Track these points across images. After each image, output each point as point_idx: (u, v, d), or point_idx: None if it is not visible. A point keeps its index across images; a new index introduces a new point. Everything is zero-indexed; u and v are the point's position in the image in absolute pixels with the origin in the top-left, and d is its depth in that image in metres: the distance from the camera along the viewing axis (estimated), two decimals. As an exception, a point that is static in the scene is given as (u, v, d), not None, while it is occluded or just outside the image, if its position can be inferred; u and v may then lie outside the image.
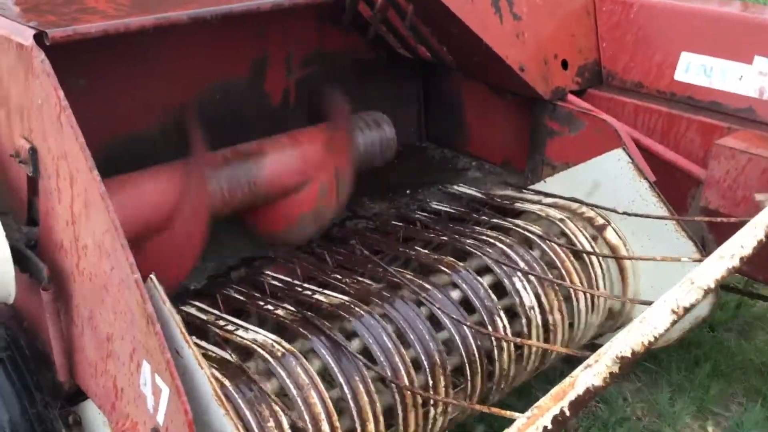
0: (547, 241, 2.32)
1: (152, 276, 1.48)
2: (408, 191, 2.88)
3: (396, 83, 3.17)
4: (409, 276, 2.13)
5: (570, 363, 2.59)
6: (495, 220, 2.46)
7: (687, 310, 1.62)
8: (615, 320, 2.52)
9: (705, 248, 2.37)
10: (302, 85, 2.86)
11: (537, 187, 2.66)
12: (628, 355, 1.45)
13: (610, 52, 2.69)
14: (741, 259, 1.74)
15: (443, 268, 2.16)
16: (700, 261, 1.99)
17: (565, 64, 2.62)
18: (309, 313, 1.91)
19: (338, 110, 2.42)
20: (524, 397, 2.54)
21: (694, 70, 2.50)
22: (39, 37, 1.55)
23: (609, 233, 2.47)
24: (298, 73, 2.84)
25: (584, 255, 2.38)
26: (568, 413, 1.35)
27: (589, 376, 1.40)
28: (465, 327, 2.00)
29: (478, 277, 2.15)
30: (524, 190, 2.69)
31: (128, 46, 2.20)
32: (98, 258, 1.56)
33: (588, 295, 2.32)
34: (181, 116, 2.17)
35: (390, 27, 2.77)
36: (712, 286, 1.69)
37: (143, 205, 2.06)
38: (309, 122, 2.76)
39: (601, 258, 2.40)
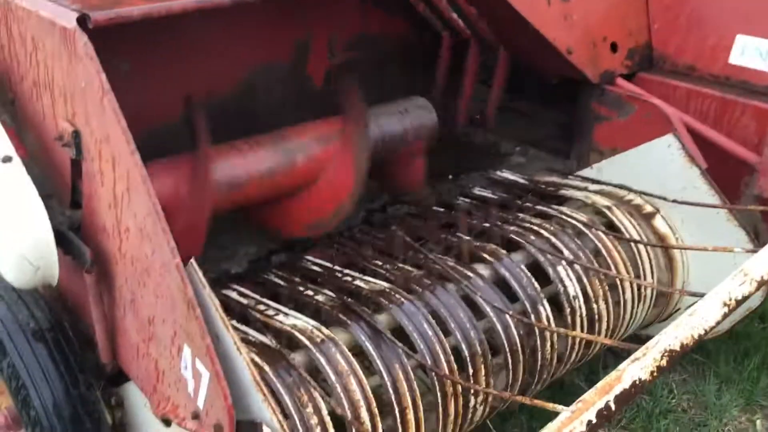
0: (593, 230, 2.26)
1: (193, 260, 1.48)
2: (450, 177, 2.84)
3: (440, 67, 3.12)
4: (450, 263, 2.09)
5: (615, 355, 2.54)
6: (539, 207, 2.41)
7: (739, 302, 1.57)
8: (662, 311, 2.45)
9: (758, 238, 2.29)
10: (345, 69, 2.83)
11: (583, 173, 2.60)
12: (677, 348, 1.41)
13: (662, 35, 2.60)
14: (799, 250, 1.67)
15: (486, 256, 2.13)
16: (753, 252, 1.92)
17: (614, 47, 2.55)
18: (349, 299, 1.89)
19: (354, 103, 2.37)
20: (565, 390, 2.50)
21: (750, 53, 2.41)
22: (82, 20, 1.54)
23: (658, 221, 2.40)
24: (341, 56, 2.81)
25: (632, 244, 2.32)
26: (613, 407, 1.31)
27: (636, 369, 1.36)
28: (507, 316, 1.96)
29: (522, 266, 2.11)
30: (570, 177, 2.63)
31: (171, 30, 2.19)
32: (140, 241, 1.56)
33: (635, 285, 2.26)
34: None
35: (434, 8, 2.72)
36: (767, 277, 1.62)
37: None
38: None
39: (649, 247, 2.34)
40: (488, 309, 1.96)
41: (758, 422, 2.48)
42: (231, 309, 1.92)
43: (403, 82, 3.01)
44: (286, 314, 1.85)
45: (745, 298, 1.58)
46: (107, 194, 1.64)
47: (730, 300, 1.54)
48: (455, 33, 2.83)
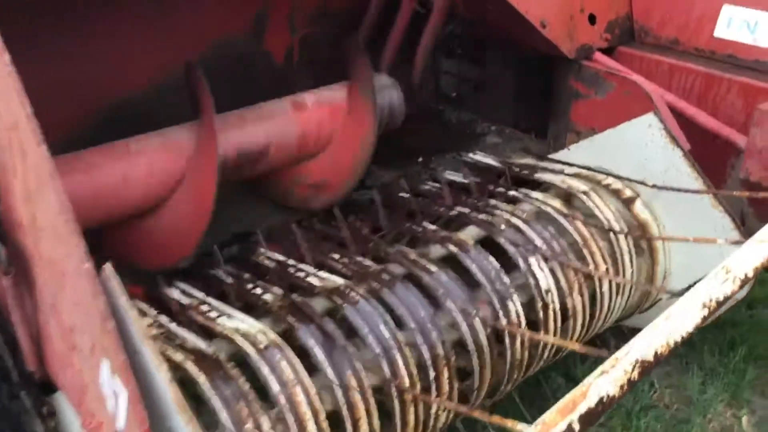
0: (569, 217, 2.11)
1: (108, 265, 1.32)
2: (420, 158, 2.68)
3: (410, 41, 2.94)
4: (413, 256, 1.94)
5: (593, 342, 2.40)
6: (511, 193, 2.25)
7: (721, 303, 1.43)
8: (643, 301, 2.31)
9: (745, 224, 2.15)
10: (306, 45, 2.66)
11: (560, 155, 2.44)
12: (650, 358, 1.26)
13: (644, 6, 2.43)
14: (786, 242, 1.52)
15: (452, 247, 1.97)
16: (738, 243, 1.77)
17: (592, 19, 2.38)
18: (299, 299, 1.74)
19: (360, 64, 2.24)
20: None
21: (737, 25, 2.25)
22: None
23: (638, 207, 2.25)
24: (302, 31, 2.63)
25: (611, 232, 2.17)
26: (577, 428, 1.16)
27: (604, 383, 1.21)
28: (473, 314, 1.81)
29: (490, 258, 1.96)
30: (546, 159, 2.47)
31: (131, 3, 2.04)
32: (55, 241, 1.40)
33: (612, 276, 2.12)
34: (186, 73, 2.00)
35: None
36: (751, 275, 1.48)
37: (130, 180, 1.91)
38: (315, 82, 2.58)
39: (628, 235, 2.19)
40: (453, 307, 1.81)
41: (744, 418, 2.35)
42: (171, 310, 1.76)
43: (371, 56, 2.84)
44: (230, 316, 1.70)
45: (727, 298, 1.44)
46: (21, 187, 1.48)
47: (711, 301, 1.40)
48: (422, 3, 2.65)
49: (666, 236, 2.15)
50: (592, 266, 2.09)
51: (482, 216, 2.10)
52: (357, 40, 2.25)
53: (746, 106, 2.17)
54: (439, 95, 3.10)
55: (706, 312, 1.39)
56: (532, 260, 1.99)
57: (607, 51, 2.42)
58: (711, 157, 2.22)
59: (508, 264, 1.99)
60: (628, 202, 2.25)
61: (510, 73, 2.88)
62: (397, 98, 2.35)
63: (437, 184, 2.39)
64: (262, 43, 2.48)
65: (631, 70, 2.36)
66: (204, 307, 1.75)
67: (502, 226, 2.05)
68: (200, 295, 1.82)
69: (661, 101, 2.21)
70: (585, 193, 2.23)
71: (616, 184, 2.29)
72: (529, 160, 2.51)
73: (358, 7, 2.72)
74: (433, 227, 2.09)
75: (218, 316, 1.70)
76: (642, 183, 2.17)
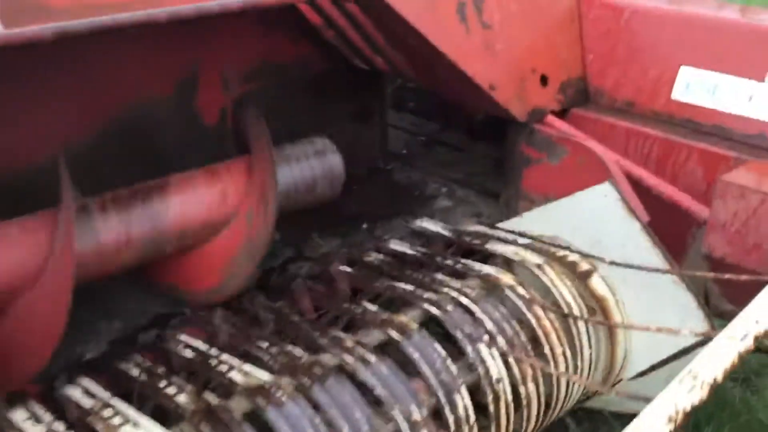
0: (522, 296, 1.94)
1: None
2: (365, 225, 2.50)
3: (357, 98, 2.80)
4: (349, 344, 1.75)
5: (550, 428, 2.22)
6: (460, 266, 2.08)
7: (689, 414, 1.26)
8: (603, 384, 2.15)
9: (709, 302, 2.01)
10: (245, 103, 2.48)
11: (512, 223, 2.29)
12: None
13: (598, 66, 2.31)
14: (757, 338, 1.37)
15: (393, 333, 1.79)
16: (704, 338, 1.63)
17: (544, 80, 2.25)
18: (216, 402, 1.53)
19: (259, 138, 2.01)
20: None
21: (696, 87, 2.13)
22: None
23: (595, 282, 2.09)
24: (239, 88, 2.45)
25: (566, 308, 2.01)
26: None
27: None
28: (414, 414, 1.62)
29: (435, 344, 1.78)
30: (497, 227, 2.31)
31: (23, 60, 1.83)
32: None
33: (569, 360, 1.95)
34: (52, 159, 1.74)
35: (343, 36, 2.38)
36: (720, 378, 1.32)
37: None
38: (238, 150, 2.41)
39: (585, 312, 2.03)
40: (392, 405, 1.62)
41: None
42: (69, 415, 1.54)
43: (314, 114, 2.68)
44: (135, 424, 1.48)
45: (695, 408, 1.27)
46: None
47: (678, 414, 1.23)
48: (369, 62, 2.50)
49: (625, 323, 2.00)
50: (547, 348, 1.92)
51: (428, 294, 1.93)
52: (255, 111, 2.02)
53: (707, 174, 2.04)
54: (387, 153, 2.95)
55: (672, 426, 1.22)
56: (482, 347, 1.82)
57: (561, 113, 2.29)
58: (671, 227, 2.09)
59: (456, 346, 1.82)
60: (584, 276, 2.10)
61: (463, 130, 2.74)
62: (336, 165, 2.17)
63: (381, 256, 2.21)
64: (189, 105, 2.30)
65: (586, 134, 2.23)
66: (107, 412, 1.53)
67: (449, 307, 1.88)
68: (105, 395, 1.60)
69: (617, 169, 2.07)
70: (539, 266, 2.07)
71: (572, 257, 2.14)
72: (480, 228, 2.35)
73: (303, 59, 2.57)
74: (373, 308, 1.91)
75: (122, 424, 1.48)
76: (599, 258, 2.02)
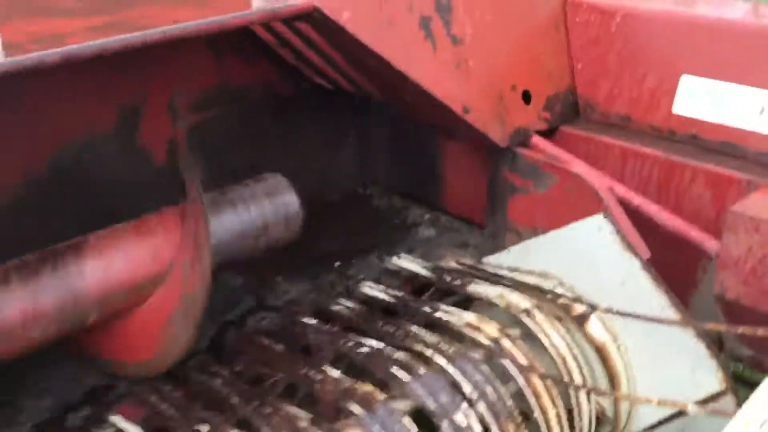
0: (508, 355, 1.69)
1: None
2: (338, 263, 2.26)
3: (328, 120, 2.56)
4: (304, 425, 1.51)
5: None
6: (438, 314, 1.83)
7: None
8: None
9: (722, 348, 1.75)
10: (198, 134, 2.24)
11: (498, 258, 2.03)
12: None
13: (588, 77, 2.05)
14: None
15: (354, 407, 1.54)
16: (720, 413, 1.37)
17: (527, 97, 1.99)
18: None
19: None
20: None
21: (699, 99, 1.86)
22: None
23: (593, 326, 1.83)
24: (191, 118, 2.22)
25: (559, 359, 1.76)
26: None
27: None
28: None
29: (404, 419, 1.53)
30: (482, 264, 2.06)
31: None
32: None
33: (564, 424, 1.70)
34: None
35: (301, 56, 2.14)
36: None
37: None
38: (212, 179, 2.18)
39: (582, 364, 1.78)
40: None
41: None
42: None
43: (282, 140, 2.44)
44: None
45: None
46: None
47: None
48: (332, 82, 2.26)
49: (631, 395, 1.75)
50: (538, 413, 1.67)
51: (398, 355, 1.68)
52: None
53: (716, 200, 1.78)
54: (366, 176, 2.70)
55: None
56: (459, 417, 1.57)
57: (548, 133, 2.03)
58: (676, 261, 1.83)
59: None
60: (580, 320, 1.84)
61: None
62: (291, 204, 1.93)
63: (351, 303, 1.97)
64: (133, 140, 2.07)
65: (578, 155, 1.97)
66: None
67: (421, 370, 1.63)
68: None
69: (612, 198, 1.81)
70: (527, 312, 1.82)
71: (565, 298, 1.88)
72: (462, 265, 2.10)
73: (264, 81, 2.33)
74: (335, 373, 1.67)
75: None
76: (591, 307, 1.76)
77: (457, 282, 1.99)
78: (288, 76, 2.34)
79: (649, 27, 1.92)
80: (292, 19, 1.71)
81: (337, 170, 2.61)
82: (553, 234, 1.88)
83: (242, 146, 2.31)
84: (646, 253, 1.75)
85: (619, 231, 1.75)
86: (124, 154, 2.06)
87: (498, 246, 2.11)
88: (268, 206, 1.86)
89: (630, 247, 1.74)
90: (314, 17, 1.65)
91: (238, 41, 2.20)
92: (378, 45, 1.71)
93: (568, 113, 2.06)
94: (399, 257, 2.18)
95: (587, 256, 1.83)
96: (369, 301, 1.99)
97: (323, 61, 2.04)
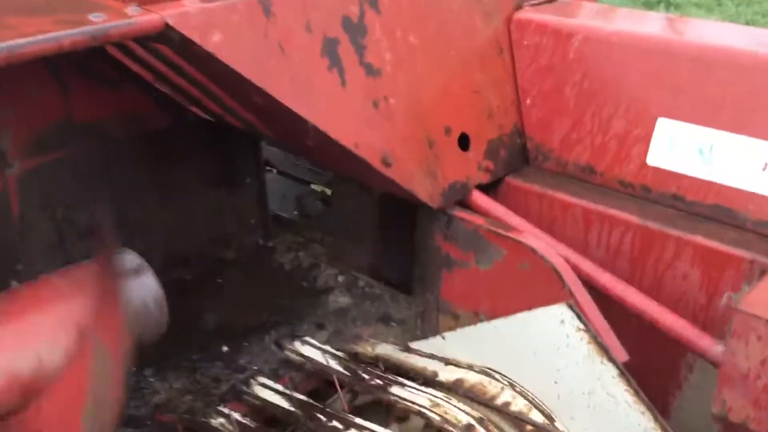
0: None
1: None
2: (226, 348, 1.77)
3: (217, 157, 2.06)
4: None
5: None
6: (351, 435, 1.38)
7: None
8: None
9: (721, 479, 1.34)
10: (36, 183, 1.72)
11: (430, 345, 1.59)
12: None
13: (539, 115, 1.62)
14: None
15: None
16: None
17: (464, 142, 1.55)
18: None
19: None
20: None
21: (683, 148, 1.46)
22: None
23: (552, 443, 1.41)
24: (27, 162, 1.69)
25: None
26: None
27: None
28: None
29: None
30: (411, 351, 1.61)
31: None
32: None
33: None
34: None
35: (167, 81, 1.64)
36: None
37: None
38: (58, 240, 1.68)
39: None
40: None
41: None
42: None
43: (155, 183, 1.94)
44: None
45: None
46: None
47: None
48: (216, 117, 1.77)
49: None
50: None
51: None
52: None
53: (707, 282, 1.38)
54: (268, 222, 2.21)
55: None
56: None
57: (490, 186, 1.60)
58: (653, 356, 1.42)
59: None
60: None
61: (367, 201, 2.01)
62: (152, 297, 1.42)
63: (237, 415, 1.49)
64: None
65: (527, 215, 1.55)
66: None
67: None
68: None
69: (575, 280, 1.39)
70: (469, 429, 1.38)
71: (518, 404, 1.45)
72: (385, 351, 1.65)
73: (129, 113, 1.82)
74: None
75: None
76: (551, 419, 1.34)
77: (376, 382, 1.54)
78: (159, 104, 1.84)
79: (616, 54, 1.51)
80: (137, 40, 1.22)
81: (228, 219, 2.12)
82: (500, 322, 1.45)
83: (97, 197, 1.80)
84: (623, 356, 1.33)
85: (587, 326, 1.33)
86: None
87: (428, 327, 1.67)
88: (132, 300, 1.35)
89: (602, 348, 1.32)
90: (171, 39, 1.17)
91: (89, 63, 1.69)
92: (264, 79, 1.24)
93: (515, 161, 1.63)
94: (302, 341, 1.71)
95: (545, 355, 1.40)
96: (261, 409, 1.51)
97: (198, 92, 1.56)
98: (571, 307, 1.35)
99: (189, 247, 2.05)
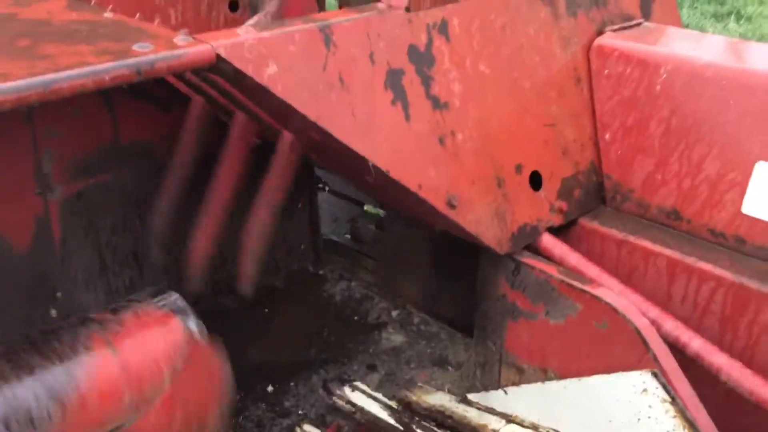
0: None
1: None
2: (272, 387, 1.66)
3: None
4: None
5: None
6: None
7: None
8: None
9: None
10: (80, 208, 1.64)
11: (490, 398, 1.46)
12: None
13: (620, 152, 1.47)
14: None
15: None
16: None
17: (536, 181, 1.41)
18: None
19: None
20: None
21: (784, 196, 1.30)
22: None
23: None
24: (71, 186, 1.61)
25: None
26: None
27: None
28: None
29: None
30: (469, 403, 1.48)
31: None
32: None
33: None
34: None
35: (218, 105, 1.54)
36: None
37: None
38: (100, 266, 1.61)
39: None
40: None
41: None
42: None
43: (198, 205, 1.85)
44: None
45: None
46: None
47: None
48: (267, 143, 1.66)
49: None
50: None
51: None
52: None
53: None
54: (319, 249, 2.10)
55: None
56: None
57: (564, 228, 1.46)
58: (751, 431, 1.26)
59: None
60: None
61: (421, 228, 1.89)
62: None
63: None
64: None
65: (602, 262, 1.40)
66: None
67: None
68: None
69: (662, 347, 1.24)
70: (534, 504, 1.25)
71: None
72: (441, 402, 1.52)
73: (172, 136, 1.74)
74: None
75: None
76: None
77: (434, 426, 1.42)
78: (209, 127, 1.74)
79: (711, 89, 1.35)
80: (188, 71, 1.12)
81: (280, 244, 2.02)
82: (572, 383, 1.31)
83: (144, 221, 1.71)
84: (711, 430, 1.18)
85: (674, 399, 1.18)
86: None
87: (488, 378, 1.54)
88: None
89: (690, 424, 1.17)
90: (223, 71, 1.06)
91: (140, 83, 1.61)
92: (321, 114, 1.13)
93: (590, 201, 1.49)
94: (352, 387, 1.60)
95: (621, 425, 1.26)
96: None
97: (250, 119, 1.45)
98: (656, 375, 1.20)
99: (235, 275, 1.95)
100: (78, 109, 1.57)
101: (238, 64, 1.04)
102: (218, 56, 1.03)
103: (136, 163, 1.69)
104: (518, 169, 1.38)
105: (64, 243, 1.62)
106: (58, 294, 1.64)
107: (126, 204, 1.71)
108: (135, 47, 1.00)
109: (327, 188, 2.37)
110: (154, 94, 1.68)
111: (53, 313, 1.64)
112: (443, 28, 1.27)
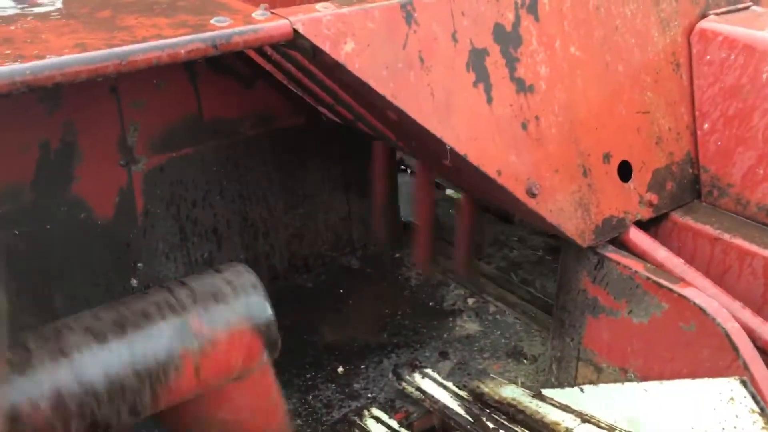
0: None
1: None
2: (341, 369, 1.65)
3: (347, 160, 1.95)
4: None
5: None
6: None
7: None
8: None
9: None
10: (162, 180, 1.67)
11: (566, 395, 1.40)
12: None
13: (719, 143, 1.38)
14: None
15: None
16: None
17: (625, 171, 1.34)
18: None
19: None
20: None
21: None
22: None
23: None
24: (154, 158, 1.64)
25: None
26: None
27: None
28: None
29: None
30: (543, 399, 1.43)
31: None
32: None
33: None
34: None
35: (299, 83, 1.53)
36: None
37: None
38: (181, 240, 1.64)
39: None
40: None
41: None
42: None
43: (281, 183, 1.85)
44: None
45: None
46: None
47: None
48: (343, 119, 1.64)
49: None
50: None
51: None
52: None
53: None
54: (397, 231, 2.08)
55: None
56: None
57: (653, 222, 1.38)
58: None
59: None
60: None
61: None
62: (264, 320, 1.30)
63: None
64: (64, 188, 1.51)
65: (693, 260, 1.32)
66: None
67: None
68: None
69: (754, 353, 1.15)
70: None
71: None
72: (514, 395, 1.47)
73: (259, 112, 1.74)
74: None
75: None
76: None
77: (503, 420, 1.38)
78: (293, 106, 1.74)
79: (824, 77, 1.25)
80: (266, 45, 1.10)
81: (358, 225, 2.00)
82: (654, 386, 1.24)
83: (224, 196, 1.73)
84: (809, 451, 1.09)
85: (764, 410, 1.10)
86: (51, 208, 1.49)
87: (564, 374, 1.48)
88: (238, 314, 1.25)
89: (781, 439, 1.09)
90: (301, 47, 1.04)
91: (221, 58, 1.61)
92: (399, 94, 1.09)
93: (684, 194, 1.40)
94: (423, 374, 1.57)
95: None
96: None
97: (329, 97, 1.43)
98: (744, 384, 1.12)
99: (312, 253, 1.95)
100: (162, 83, 1.59)
101: (315, 41, 1.02)
102: (295, 32, 1.00)
103: (218, 138, 1.71)
104: (606, 157, 1.31)
105: (146, 214, 1.65)
106: (139, 264, 1.67)
107: (207, 179, 1.72)
108: (213, 21, 0.98)
109: (409, 170, 2.34)
110: (237, 70, 1.69)
111: (134, 282, 1.68)
112: (532, 6, 1.21)
